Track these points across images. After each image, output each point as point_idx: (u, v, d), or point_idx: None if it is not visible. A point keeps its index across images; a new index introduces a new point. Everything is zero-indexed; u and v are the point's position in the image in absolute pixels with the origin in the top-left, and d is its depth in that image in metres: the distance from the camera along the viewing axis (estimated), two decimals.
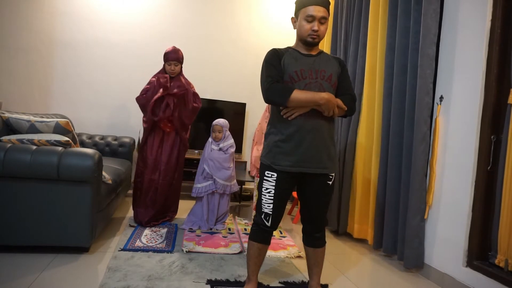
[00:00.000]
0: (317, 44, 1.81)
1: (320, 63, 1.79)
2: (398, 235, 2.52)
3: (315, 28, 1.71)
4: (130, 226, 2.90)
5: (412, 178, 2.39)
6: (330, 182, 1.84)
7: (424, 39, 2.33)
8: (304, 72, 1.75)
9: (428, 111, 2.36)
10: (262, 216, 1.82)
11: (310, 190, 1.84)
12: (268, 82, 1.72)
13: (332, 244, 2.94)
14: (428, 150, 2.38)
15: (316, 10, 1.70)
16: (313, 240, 1.90)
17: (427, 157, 2.37)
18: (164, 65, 3.06)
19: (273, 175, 1.78)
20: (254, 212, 1.97)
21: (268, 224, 1.82)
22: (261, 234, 1.86)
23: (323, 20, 1.73)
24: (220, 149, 3.02)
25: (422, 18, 2.34)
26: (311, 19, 1.72)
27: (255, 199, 3.28)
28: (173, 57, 3.00)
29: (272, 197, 1.79)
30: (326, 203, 1.87)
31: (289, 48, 1.84)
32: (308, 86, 1.74)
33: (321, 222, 1.89)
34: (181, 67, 3.11)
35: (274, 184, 1.78)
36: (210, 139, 3.11)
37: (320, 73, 1.76)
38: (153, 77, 3.08)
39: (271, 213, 1.81)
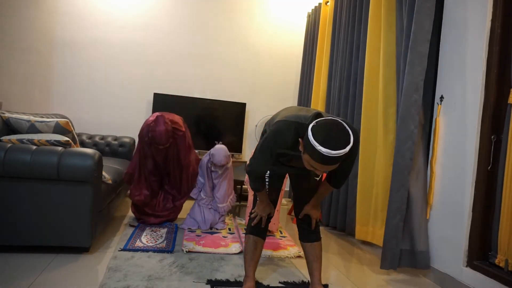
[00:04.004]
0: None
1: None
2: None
3: (318, 173, 1.58)
4: (130, 226, 2.90)
5: (393, 176, 2.32)
6: (317, 178, 1.97)
7: (415, 36, 2.26)
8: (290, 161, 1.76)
9: (417, 108, 2.28)
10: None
11: (300, 179, 1.99)
12: (258, 166, 1.73)
13: (337, 245, 2.94)
14: (414, 149, 2.30)
15: (324, 168, 1.50)
16: (308, 234, 1.97)
17: (412, 155, 2.30)
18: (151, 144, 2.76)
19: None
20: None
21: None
22: (256, 227, 1.95)
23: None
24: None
25: (415, 15, 2.28)
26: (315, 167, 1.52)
27: (250, 198, 3.28)
28: (163, 142, 2.72)
29: (267, 184, 1.96)
30: (315, 191, 1.97)
31: (298, 140, 1.58)
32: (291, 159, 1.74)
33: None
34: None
35: (268, 174, 1.96)
36: (208, 163, 2.96)
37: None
38: (142, 130, 2.85)
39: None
